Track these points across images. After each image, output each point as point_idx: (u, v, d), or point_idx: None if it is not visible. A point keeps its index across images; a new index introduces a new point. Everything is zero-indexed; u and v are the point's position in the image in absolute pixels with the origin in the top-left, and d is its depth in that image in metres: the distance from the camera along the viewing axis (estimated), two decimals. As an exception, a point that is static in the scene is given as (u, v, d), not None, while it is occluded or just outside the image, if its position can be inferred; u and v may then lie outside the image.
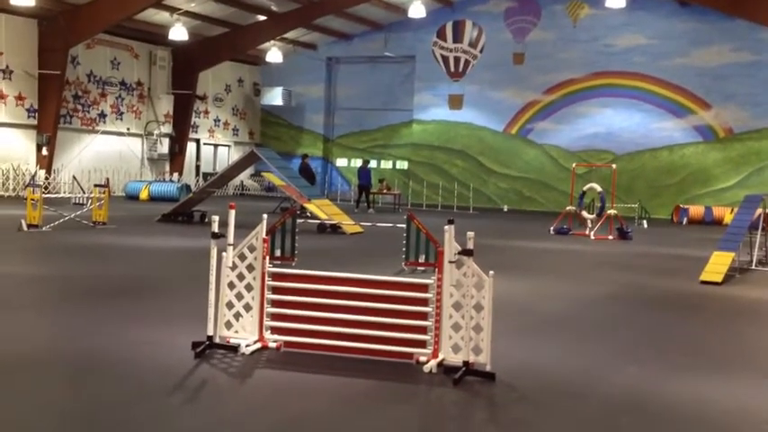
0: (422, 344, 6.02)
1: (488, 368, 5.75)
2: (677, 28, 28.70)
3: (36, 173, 25.72)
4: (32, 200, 15.16)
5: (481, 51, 30.96)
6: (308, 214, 16.96)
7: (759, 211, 13.86)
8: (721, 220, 24.47)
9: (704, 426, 5.00)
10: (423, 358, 5.97)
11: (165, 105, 30.88)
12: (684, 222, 26.21)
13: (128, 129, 30.36)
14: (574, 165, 24.04)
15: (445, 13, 31.36)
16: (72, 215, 16.22)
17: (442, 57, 31.40)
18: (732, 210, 20.08)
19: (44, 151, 26.36)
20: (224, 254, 6.21)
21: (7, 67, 25.84)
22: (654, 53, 28.99)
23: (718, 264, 11.81)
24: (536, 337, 7.42)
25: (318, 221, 16.73)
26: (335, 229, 17.04)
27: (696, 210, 26.69)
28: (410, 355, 6.02)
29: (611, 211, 19.61)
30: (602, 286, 10.93)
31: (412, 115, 33.33)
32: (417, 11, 27.04)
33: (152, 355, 6.07)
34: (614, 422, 4.99)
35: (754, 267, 13.30)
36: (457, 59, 31.30)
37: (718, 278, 11.41)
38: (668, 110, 28.94)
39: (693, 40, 28.45)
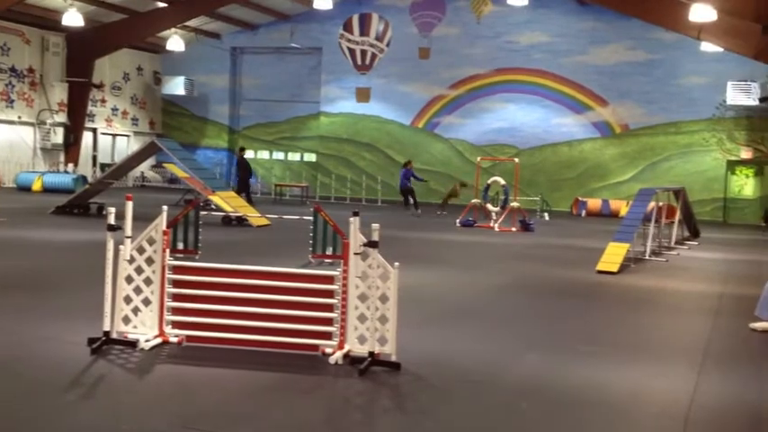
0: (328, 335, 6.01)
1: (394, 358, 5.79)
2: (577, 26, 29.62)
3: None
4: None
5: (388, 45, 31.12)
6: (213, 206, 16.64)
7: (652, 204, 14.50)
8: (617, 213, 25.46)
9: (600, 409, 5.19)
10: (329, 350, 5.96)
11: (59, 93, 29.58)
12: (583, 215, 27.14)
13: (19, 117, 28.94)
14: (478, 158, 24.51)
15: (352, 6, 31.33)
16: (-41, 207, 15.39)
17: (349, 49, 31.39)
18: (627, 203, 20.91)
19: (-72, 140, 24.85)
20: (121, 247, 6.02)
21: None
22: (554, 51, 29.82)
23: (613, 254, 12.28)
24: (441, 327, 7.53)
25: (223, 214, 16.44)
26: (241, 221, 16.80)
27: (594, 202, 27.68)
28: (316, 347, 6.00)
29: (515, 204, 20.10)
30: (505, 277, 11.19)
31: (319, 107, 33.18)
32: (323, 2, 26.92)
33: (46, 352, 5.83)
34: (515, 408, 5.11)
35: (647, 257, 13.89)
36: (364, 52, 31.36)
37: (614, 268, 11.87)
38: (568, 106, 29.85)
39: (592, 38, 29.42)
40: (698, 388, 5.70)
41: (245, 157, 24.43)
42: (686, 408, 5.22)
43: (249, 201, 23.81)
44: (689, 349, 7.09)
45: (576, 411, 5.10)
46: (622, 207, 25.22)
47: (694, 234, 18.84)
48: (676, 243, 16.49)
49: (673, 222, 16.55)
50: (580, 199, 28.12)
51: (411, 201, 23.36)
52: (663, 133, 28.66)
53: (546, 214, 24.99)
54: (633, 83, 28.91)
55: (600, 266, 11.95)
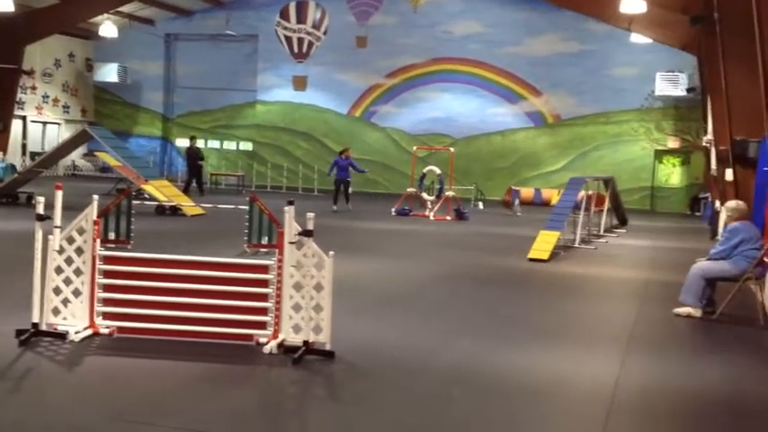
0: (262, 325, 6.03)
1: (328, 347, 5.85)
2: (512, 17, 30.01)
3: None
4: None
5: (325, 33, 30.99)
6: (146, 196, 16.37)
7: (582, 192, 14.89)
8: (549, 202, 25.98)
9: (528, 394, 5.35)
10: (263, 339, 5.97)
11: (-13, 80, 28.57)
12: (516, 204, 27.58)
13: (-57, 104, 27.87)
14: (414, 148, 24.67)
15: (289, -7, 31.09)
16: None
17: (286, 37, 31.15)
18: (559, 191, 21.37)
19: None
20: (50, 237, 5.91)
21: None
22: (489, 41, 30.17)
23: (544, 242, 12.58)
24: (375, 316, 7.61)
25: (157, 203, 16.20)
26: (175, 210, 16.57)
27: (527, 191, 28.18)
28: (250, 337, 6.01)
29: (450, 193, 20.33)
30: (439, 265, 11.34)
31: (256, 96, 32.85)
32: (260, -11, 26.71)
33: (-29, 346, 5.68)
34: (446, 394, 5.23)
35: (577, 245, 14.26)
36: (300, 40, 31.16)
37: (545, 255, 12.15)
38: (502, 96, 30.27)
39: (526, 29, 29.86)
40: (623, 372, 5.92)
41: (196, 145, 24.57)
42: (611, 392, 5.42)
43: (201, 189, 23.84)
44: (615, 334, 7.34)
45: (505, 397, 5.25)
46: (554, 196, 25.74)
47: (622, 222, 19.40)
48: (605, 231, 16.96)
49: (602, 211, 17.01)
50: (513, 188, 28.59)
51: (345, 194, 20.44)
52: (593, 123, 29.33)
53: (480, 203, 25.35)
54: (566, 73, 29.47)
55: (531, 254, 12.22)
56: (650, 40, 24.33)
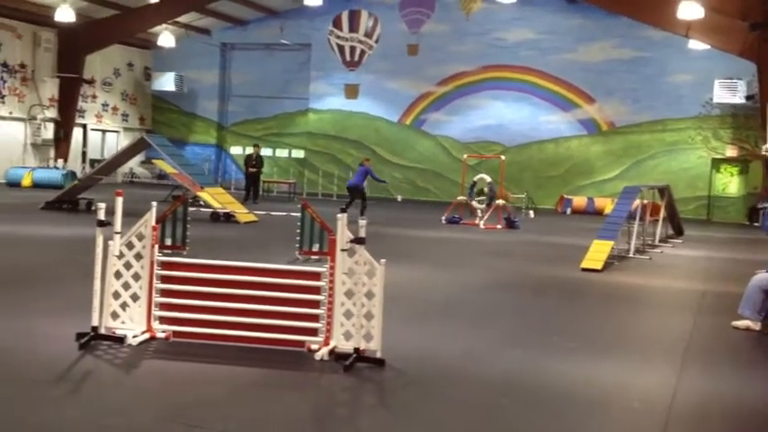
0: (313, 332, 6.08)
1: (379, 355, 5.86)
2: (564, 24, 29.75)
3: None
4: None
5: (376, 41, 31.17)
6: (201, 203, 16.67)
7: (637, 201, 14.65)
8: (602, 211, 25.63)
9: (581, 405, 5.28)
10: (314, 346, 6.02)
11: (51, 89, 29.51)
12: (568, 212, 27.31)
13: (10, 112, 28.82)
14: (465, 156, 24.60)
15: (341, 2, 31.35)
16: (-54, 202, 15.36)
17: (338, 46, 31.43)
18: (612, 200, 21.07)
19: None
20: (110, 242, 6.07)
21: None
22: (542, 48, 29.95)
23: (598, 252, 12.41)
24: (425, 324, 7.62)
25: (211, 210, 16.48)
26: (229, 217, 16.84)
27: (579, 200, 27.85)
28: (302, 344, 6.07)
29: (500, 202, 20.21)
30: (489, 274, 11.29)
31: (308, 104, 33.19)
32: (313, -1, 26.93)
33: (34, 347, 5.87)
34: (496, 403, 5.20)
35: (631, 255, 14.03)
36: (353, 49, 31.41)
37: (598, 265, 11.99)
38: (555, 103, 29.99)
39: (579, 36, 29.57)
40: (679, 385, 5.81)
41: (259, 153, 25.67)
42: (667, 404, 5.32)
43: (256, 197, 24.47)
44: (670, 346, 7.21)
45: (558, 407, 5.20)
46: (607, 205, 25.39)
47: (678, 232, 19.03)
48: (660, 241, 16.66)
49: (657, 220, 16.72)
50: (565, 196, 28.29)
51: (361, 203, 20.17)
52: (649, 131, 28.85)
53: (531, 212, 25.14)
54: (620, 80, 29.07)
55: (584, 264, 12.07)
56: (708, 47, 23.89)
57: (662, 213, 16.97)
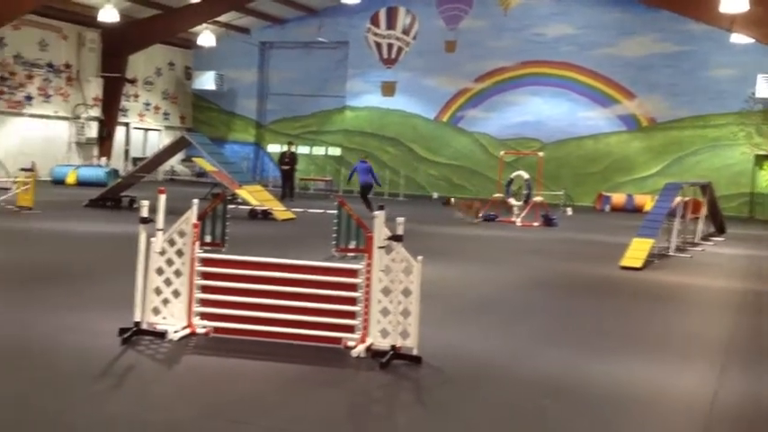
0: (350, 329, 6.12)
1: (415, 352, 5.88)
2: (604, 18, 29.41)
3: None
4: (-49, 184, 14.67)
5: (414, 38, 31.13)
6: (240, 200, 16.85)
7: (678, 198, 14.44)
8: (642, 208, 25.31)
9: (622, 405, 5.24)
10: (351, 343, 6.07)
11: (94, 88, 30.06)
12: (607, 209, 27.01)
13: (55, 112, 29.45)
14: (502, 153, 24.47)
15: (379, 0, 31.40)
16: (-6, 200, 15.76)
17: (376, 43, 31.46)
18: (652, 197, 20.80)
19: (-34, 134, 25.39)
20: (153, 239, 6.18)
21: (-73, 46, 24.75)
22: (581, 43, 29.66)
23: (637, 250, 12.26)
24: (462, 322, 7.62)
25: (249, 207, 16.64)
26: (267, 215, 16.99)
27: (618, 197, 27.53)
28: (339, 340, 6.12)
29: (538, 199, 20.07)
30: (526, 272, 11.24)
31: (345, 101, 33.31)
32: (351, -4, 27.09)
33: (78, 342, 6.01)
34: (536, 404, 5.18)
35: (672, 253, 13.85)
36: (390, 46, 31.42)
37: (638, 263, 11.86)
38: (594, 99, 29.68)
39: (619, 30, 29.20)
40: (721, 385, 5.74)
41: (292, 150, 25.99)
42: (709, 404, 5.26)
43: (291, 194, 24.63)
44: (711, 346, 7.12)
45: (598, 408, 5.16)
46: (647, 202, 25.06)
47: (720, 230, 18.71)
48: (701, 239, 16.40)
49: (698, 218, 16.46)
50: (604, 194, 27.98)
51: (367, 199, 20.16)
52: (690, 127, 28.40)
53: (569, 209, 24.93)
54: (661, 75, 28.66)
55: (624, 262, 11.95)
56: (751, 41, 23.41)
57: (703, 211, 16.71)
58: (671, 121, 28.67)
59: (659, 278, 11.16)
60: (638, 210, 25.75)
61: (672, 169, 28.14)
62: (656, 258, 12.83)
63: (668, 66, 28.59)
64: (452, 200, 22.68)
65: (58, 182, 26.33)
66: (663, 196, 14.12)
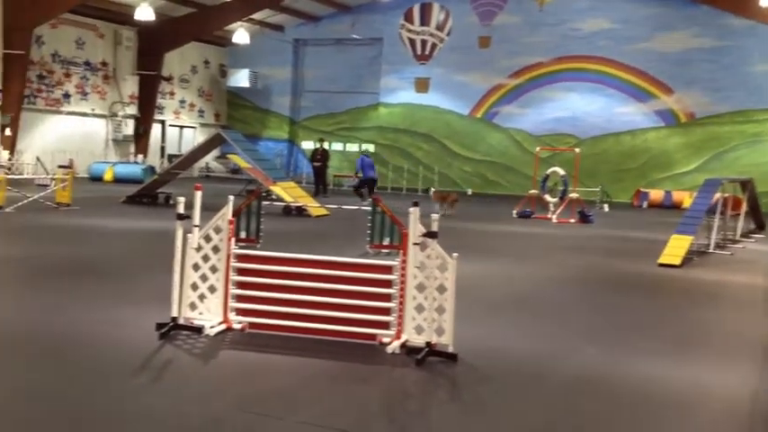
0: (385, 325, 6.11)
1: (451, 349, 5.85)
2: (641, 13, 29.01)
3: (-2, 154, 25.29)
4: (-7, 181, 14.95)
5: (448, 34, 31.03)
6: (274, 197, 16.93)
7: (718, 195, 14.18)
8: (680, 204, 24.92)
9: (661, 405, 5.15)
10: (386, 339, 6.05)
11: (131, 86, 30.49)
12: (644, 206, 26.66)
13: (92, 109, 29.93)
14: (537, 149, 24.27)
15: (413, -4, 31.35)
16: (35, 196, 16.03)
17: (410, 39, 31.43)
18: (691, 194, 20.46)
19: (7, 132, 25.88)
20: (189, 235, 6.22)
21: (-32, 45, 25.29)
22: (618, 37, 29.30)
23: (676, 247, 12.07)
24: (498, 319, 7.56)
25: (284, 204, 16.72)
26: (301, 211, 17.05)
27: (656, 194, 27.14)
28: (373, 336, 6.11)
29: (574, 195, 19.87)
30: (563, 268, 11.12)
31: (378, 98, 33.32)
32: (386, -7, 27.12)
33: (116, 336, 6.08)
34: (573, 403, 5.12)
35: (711, 251, 13.60)
36: (424, 42, 31.36)
37: (677, 261, 11.67)
38: (631, 94, 29.31)
39: (657, 24, 28.79)
40: (763, 385, 5.61)
41: (324, 147, 25.99)
42: (751, 405, 5.15)
43: (325, 191, 24.66)
44: (752, 345, 6.97)
45: (636, 407, 5.07)
46: (686, 198, 24.68)
47: (761, 227, 18.34)
48: (742, 236, 16.09)
49: (738, 214, 16.14)
50: (642, 190, 27.61)
51: (367, 191, 21.20)
52: (730, 122, 27.91)
53: (605, 205, 24.63)
54: (700, 70, 28.20)
55: (662, 259, 11.76)
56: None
57: (744, 207, 16.39)
58: (710, 117, 28.21)
59: (699, 276, 10.97)
60: (676, 206, 25.38)
61: (711, 165, 27.70)
62: (695, 256, 12.62)
63: (707, 61, 28.12)
64: (432, 189, 22.89)
65: (96, 179, 26.73)
66: (702, 192, 13.86)
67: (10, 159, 25.47)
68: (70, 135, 28.79)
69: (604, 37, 29.53)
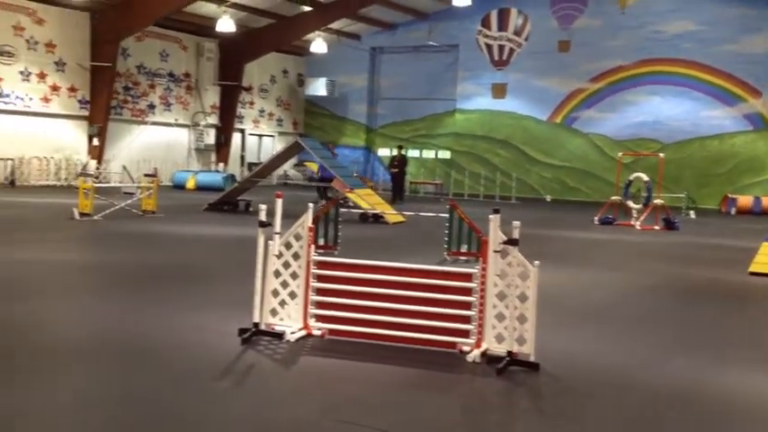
0: (465, 333, 6.04)
1: (532, 358, 5.74)
2: (726, 14, 28.06)
3: (87, 163, 26.30)
4: (84, 189, 15.52)
5: (526, 39, 30.68)
6: (351, 204, 17.04)
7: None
8: (772, 211, 23.93)
9: (755, 421, 4.93)
10: (466, 348, 5.98)
11: (212, 96, 31.27)
12: (732, 212, 25.69)
13: (176, 120, 30.83)
14: (620, 154, 23.69)
15: (490, 1, 31.10)
16: (122, 204, 16.56)
17: (487, 45, 31.21)
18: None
19: (95, 142, 26.93)
20: (270, 242, 6.30)
21: (60, 59, 26.42)
22: (703, 39, 28.40)
23: (767, 255, 11.58)
24: (581, 328, 7.39)
25: (361, 211, 16.81)
26: (378, 218, 17.11)
27: (745, 200, 26.13)
28: (453, 345, 6.05)
29: (658, 201, 19.32)
30: (647, 277, 10.80)
31: (455, 104, 33.20)
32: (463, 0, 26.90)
33: (200, 341, 6.19)
34: (661, 416, 4.93)
35: (806, 259, 12.97)
36: (501, 48, 31.08)
37: (769, 269, 11.19)
38: (718, 98, 28.34)
39: (742, 26, 27.79)
40: None
41: (402, 153, 26.33)
42: None
43: (401, 197, 24.75)
44: None
45: (728, 422, 4.87)
46: (778, 204, 23.69)
47: None
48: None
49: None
50: (730, 196, 26.63)
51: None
52: (823, 126, 26.66)
53: (692, 212, 23.85)
54: (789, 72, 27.06)
55: (753, 268, 11.29)
56: None
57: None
58: (802, 120, 27.00)
59: (793, 286, 10.47)
60: (766, 213, 24.37)
61: (803, 170, 26.50)
62: (788, 264, 12.05)
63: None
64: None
65: (179, 187, 27.48)
66: (796, 198, 13.26)
67: (98, 168, 26.47)
68: (155, 144, 29.72)
69: (689, 39, 28.66)
